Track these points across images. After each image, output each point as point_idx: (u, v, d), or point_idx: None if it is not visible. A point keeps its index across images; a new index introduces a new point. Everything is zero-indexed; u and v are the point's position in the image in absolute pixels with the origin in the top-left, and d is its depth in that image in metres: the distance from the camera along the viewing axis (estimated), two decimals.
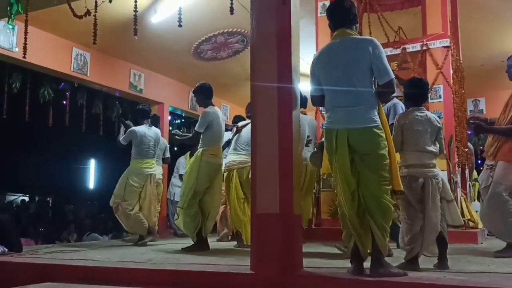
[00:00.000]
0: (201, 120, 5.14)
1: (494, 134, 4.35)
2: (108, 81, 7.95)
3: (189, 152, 9.07)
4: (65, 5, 4.92)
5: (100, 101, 8.83)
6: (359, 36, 3.20)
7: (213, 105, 5.34)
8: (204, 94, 5.34)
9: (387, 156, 2.95)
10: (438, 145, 3.40)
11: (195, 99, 5.30)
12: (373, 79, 3.04)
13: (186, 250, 4.87)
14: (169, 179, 8.85)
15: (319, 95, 3.22)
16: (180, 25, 4.49)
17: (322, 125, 6.88)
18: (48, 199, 15.91)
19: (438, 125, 3.41)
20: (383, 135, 2.96)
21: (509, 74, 4.70)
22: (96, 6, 4.86)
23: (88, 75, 7.51)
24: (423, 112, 3.40)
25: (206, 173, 5.02)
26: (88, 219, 12.78)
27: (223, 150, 5.55)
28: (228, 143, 5.79)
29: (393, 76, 3.02)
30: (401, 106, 4.91)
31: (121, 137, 6.21)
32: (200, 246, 4.95)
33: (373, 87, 3.06)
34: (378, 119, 2.98)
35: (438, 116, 5.96)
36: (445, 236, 3.34)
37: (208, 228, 5.14)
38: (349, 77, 3.01)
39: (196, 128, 5.17)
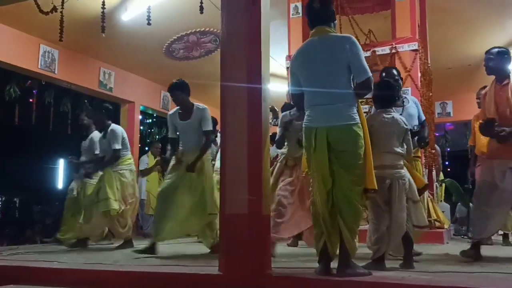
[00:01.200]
0: (208, 118, 4.77)
1: None
2: (77, 79, 7.82)
3: (149, 151, 9.04)
4: (32, 1, 4.81)
5: (68, 99, 8.68)
6: (337, 34, 3.19)
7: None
8: (187, 91, 4.88)
9: (362, 156, 2.97)
10: (405, 147, 3.45)
11: (174, 97, 4.82)
12: (351, 77, 3.05)
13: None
14: None
15: (298, 93, 3.22)
16: (149, 24, 4.44)
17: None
18: (15, 199, 15.53)
19: (405, 126, 3.45)
20: (362, 133, 2.97)
21: (487, 68, 4.44)
22: (63, 2, 4.79)
23: (56, 72, 7.38)
24: (390, 114, 3.44)
25: None
26: (56, 219, 12.51)
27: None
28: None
29: (371, 75, 3.02)
30: None
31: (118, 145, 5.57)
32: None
33: (352, 85, 3.06)
34: (358, 117, 2.99)
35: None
36: (411, 236, 3.40)
37: None
38: (328, 75, 3.02)
39: (208, 128, 4.75)
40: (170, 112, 4.84)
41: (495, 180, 3.93)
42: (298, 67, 3.19)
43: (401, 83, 4.58)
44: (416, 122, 4.31)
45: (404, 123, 3.45)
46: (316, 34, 3.17)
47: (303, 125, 3.12)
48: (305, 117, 3.13)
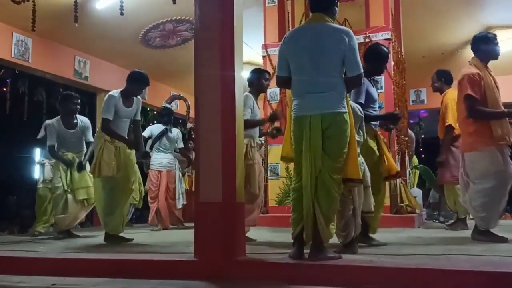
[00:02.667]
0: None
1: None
2: (52, 68, 7.71)
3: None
4: None
5: (43, 88, 8.57)
6: (336, 25, 3.17)
7: None
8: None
9: (347, 146, 3.01)
10: (361, 134, 3.53)
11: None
12: (342, 69, 3.07)
13: None
14: None
15: (285, 76, 3.19)
16: (122, 13, 4.40)
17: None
18: None
19: (361, 115, 3.50)
20: (349, 123, 3.02)
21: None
22: None
23: (30, 61, 7.27)
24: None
25: None
26: (32, 210, 12.35)
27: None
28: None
29: (362, 71, 3.07)
30: None
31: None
32: None
33: (342, 77, 3.08)
34: (346, 107, 3.04)
35: (379, 107, 6.22)
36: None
37: None
38: (321, 63, 3.02)
39: (138, 117, 4.90)
40: (113, 93, 4.66)
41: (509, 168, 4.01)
42: (289, 50, 3.15)
43: None
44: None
45: (360, 111, 3.53)
46: (313, 21, 3.17)
47: (293, 114, 3.11)
48: (294, 106, 3.11)
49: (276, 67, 3.30)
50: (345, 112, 3.01)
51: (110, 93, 4.66)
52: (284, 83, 3.28)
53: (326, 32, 3.06)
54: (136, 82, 4.72)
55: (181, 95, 10.14)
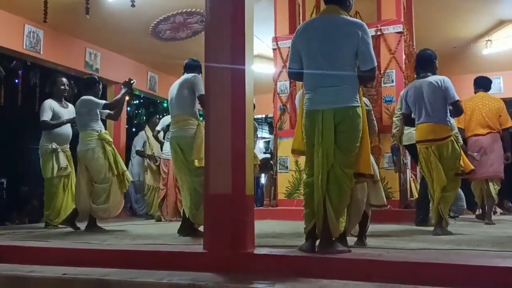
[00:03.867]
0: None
1: None
2: (63, 60, 7.74)
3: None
4: None
5: None
6: (349, 18, 3.15)
7: None
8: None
9: (359, 141, 3.00)
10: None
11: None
12: (356, 62, 3.05)
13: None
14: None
15: (297, 69, 3.18)
16: (133, 5, 4.41)
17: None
18: (2, 180, 15.45)
19: (367, 108, 3.47)
20: (362, 117, 3.01)
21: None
22: None
23: (41, 53, 7.30)
24: None
25: None
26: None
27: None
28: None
29: (376, 64, 3.05)
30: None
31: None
32: None
33: (355, 70, 3.06)
34: (359, 101, 3.02)
35: (390, 101, 6.20)
36: (368, 214, 3.51)
37: None
38: (333, 57, 3.00)
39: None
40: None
41: None
42: (302, 43, 3.13)
43: None
44: None
45: (365, 104, 3.50)
46: (327, 13, 3.14)
47: (305, 108, 3.09)
48: (306, 99, 3.10)
49: (288, 60, 3.28)
50: (358, 106, 2.99)
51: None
52: (296, 76, 3.27)
53: (340, 25, 3.03)
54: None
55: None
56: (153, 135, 7.72)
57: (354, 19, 3.20)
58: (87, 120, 5.19)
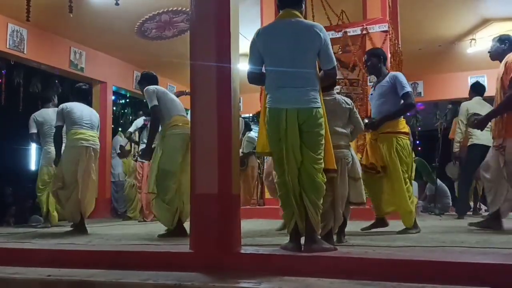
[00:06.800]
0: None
1: (495, 117, 4.35)
2: (47, 59, 7.66)
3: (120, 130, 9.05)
4: None
5: (38, 79, 8.52)
6: (309, 21, 3.26)
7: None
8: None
9: (324, 138, 3.08)
10: (352, 126, 3.58)
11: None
12: (316, 63, 3.15)
13: (162, 237, 4.30)
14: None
15: (258, 73, 3.24)
16: (117, 3, 4.37)
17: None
18: None
19: (348, 106, 3.56)
20: (323, 117, 3.09)
21: (492, 53, 4.72)
22: None
23: (25, 52, 7.21)
24: (332, 96, 3.55)
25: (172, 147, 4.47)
26: (29, 201, 12.37)
27: None
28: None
29: (336, 64, 3.19)
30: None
31: None
32: (177, 233, 4.37)
33: (316, 72, 3.16)
34: (320, 102, 3.10)
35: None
36: (345, 214, 3.57)
37: (187, 212, 4.32)
38: (297, 59, 3.07)
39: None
40: None
41: None
42: (262, 46, 3.19)
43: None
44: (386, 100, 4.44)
45: (346, 103, 3.55)
46: (285, 17, 3.20)
47: (268, 106, 3.13)
48: (269, 98, 3.14)
49: (248, 62, 3.27)
50: (319, 107, 3.08)
51: None
52: (256, 78, 3.28)
53: (302, 28, 3.13)
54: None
55: (187, 91, 10.12)
56: (126, 137, 7.77)
57: (314, 23, 3.30)
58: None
